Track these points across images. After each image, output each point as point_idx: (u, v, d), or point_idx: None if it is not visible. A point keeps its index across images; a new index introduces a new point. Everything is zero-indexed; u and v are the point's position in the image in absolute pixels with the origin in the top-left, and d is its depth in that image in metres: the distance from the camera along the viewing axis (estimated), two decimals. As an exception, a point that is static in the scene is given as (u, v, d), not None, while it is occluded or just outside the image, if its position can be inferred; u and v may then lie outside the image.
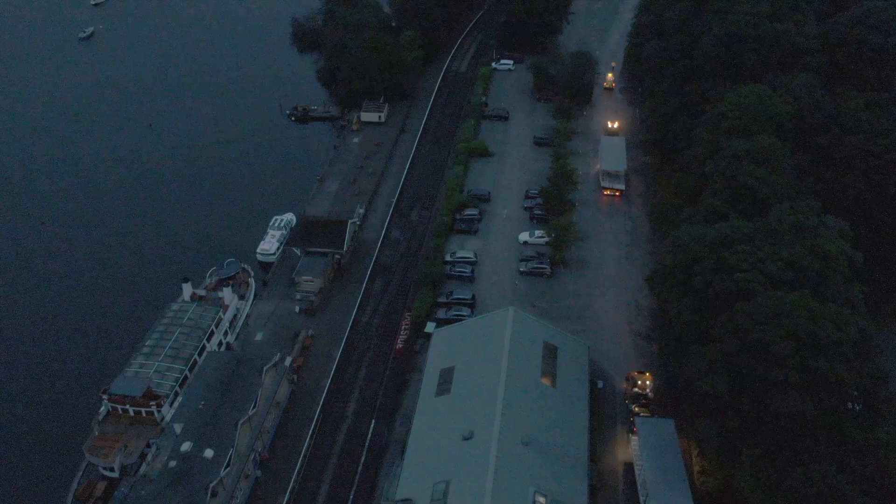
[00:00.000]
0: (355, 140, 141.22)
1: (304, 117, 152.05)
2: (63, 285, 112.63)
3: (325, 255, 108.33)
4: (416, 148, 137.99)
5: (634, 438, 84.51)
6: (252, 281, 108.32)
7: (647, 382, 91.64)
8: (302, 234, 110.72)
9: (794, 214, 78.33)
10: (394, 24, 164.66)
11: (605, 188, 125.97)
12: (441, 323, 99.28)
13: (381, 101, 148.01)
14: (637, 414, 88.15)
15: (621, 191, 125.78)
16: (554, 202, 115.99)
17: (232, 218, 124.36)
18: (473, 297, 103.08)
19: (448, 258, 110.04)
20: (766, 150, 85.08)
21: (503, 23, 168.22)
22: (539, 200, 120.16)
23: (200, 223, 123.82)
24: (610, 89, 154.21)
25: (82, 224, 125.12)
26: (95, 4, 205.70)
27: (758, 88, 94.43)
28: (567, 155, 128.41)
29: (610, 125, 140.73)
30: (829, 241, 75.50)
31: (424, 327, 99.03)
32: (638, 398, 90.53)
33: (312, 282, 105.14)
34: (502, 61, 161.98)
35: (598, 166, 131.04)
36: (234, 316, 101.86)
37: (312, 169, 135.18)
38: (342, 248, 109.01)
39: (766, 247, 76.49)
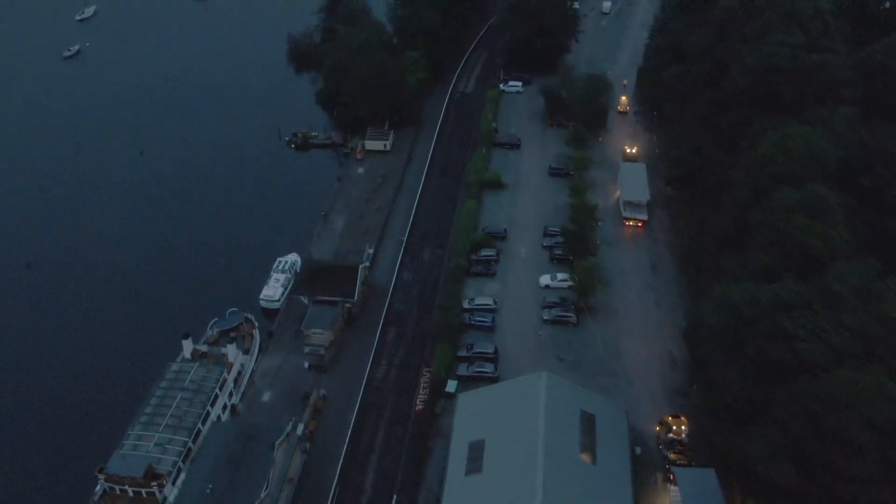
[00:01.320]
0: (360, 170, 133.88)
1: (304, 145, 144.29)
2: (49, 337, 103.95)
3: (334, 303, 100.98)
4: (425, 179, 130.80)
5: (674, 489, 78.90)
6: (257, 333, 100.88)
7: (682, 427, 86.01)
8: (309, 282, 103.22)
9: (856, 275, 71.91)
10: (395, 42, 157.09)
11: (627, 219, 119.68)
12: (462, 380, 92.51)
13: (386, 127, 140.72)
14: (674, 462, 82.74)
15: (644, 221, 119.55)
16: (576, 242, 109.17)
17: (232, 260, 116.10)
18: (496, 351, 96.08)
19: (466, 305, 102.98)
20: (819, 201, 78.58)
21: (510, 42, 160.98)
22: (559, 239, 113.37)
23: (199, 267, 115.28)
24: (624, 113, 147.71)
25: (71, 266, 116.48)
26: (80, 20, 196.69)
27: (804, 131, 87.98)
28: (586, 188, 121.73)
29: (628, 150, 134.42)
30: (896, 306, 69.20)
31: (445, 386, 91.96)
32: (673, 444, 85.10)
33: (322, 335, 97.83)
34: (511, 83, 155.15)
35: (618, 194, 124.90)
36: (239, 373, 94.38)
37: (315, 202, 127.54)
38: (353, 297, 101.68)
39: (827, 313, 70.11)
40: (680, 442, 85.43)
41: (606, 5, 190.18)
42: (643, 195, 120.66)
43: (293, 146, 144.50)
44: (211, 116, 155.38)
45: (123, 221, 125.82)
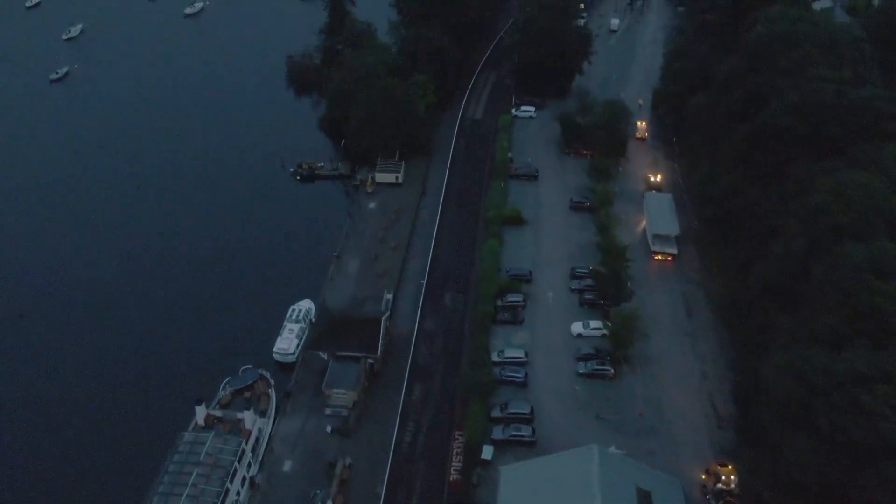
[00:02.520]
0: (371, 205, 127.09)
1: (310, 176, 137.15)
2: (44, 403, 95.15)
3: (356, 359, 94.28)
4: (441, 214, 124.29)
5: None
6: (273, 392, 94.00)
7: (732, 477, 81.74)
8: (328, 336, 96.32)
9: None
10: (400, 63, 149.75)
11: (656, 252, 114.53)
12: (498, 445, 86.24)
13: (397, 158, 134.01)
14: None
15: (674, 255, 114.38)
16: (608, 287, 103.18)
17: (241, 309, 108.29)
18: (532, 412, 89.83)
19: (495, 358, 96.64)
20: (889, 259, 73.08)
21: (520, 64, 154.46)
22: (588, 281, 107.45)
23: (205, 317, 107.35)
24: (642, 139, 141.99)
25: (65, 317, 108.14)
26: (67, 39, 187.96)
27: (862, 178, 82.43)
28: (613, 225, 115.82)
29: (652, 178, 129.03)
30: None
31: (480, 452, 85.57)
32: (722, 494, 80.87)
33: (345, 395, 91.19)
34: (523, 108, 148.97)
35: (643, 224, 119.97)
36: (257, 440, 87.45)
37: (326, 240, 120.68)
38: (376, 353, 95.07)
39: (912, 388, 64.65)
40: (729, 492, 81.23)
41: (615, 22, 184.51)
42: (673, 228, 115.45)
43: (298, 178, 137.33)
44: (209, 144, 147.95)
45: (119, 267, 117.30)
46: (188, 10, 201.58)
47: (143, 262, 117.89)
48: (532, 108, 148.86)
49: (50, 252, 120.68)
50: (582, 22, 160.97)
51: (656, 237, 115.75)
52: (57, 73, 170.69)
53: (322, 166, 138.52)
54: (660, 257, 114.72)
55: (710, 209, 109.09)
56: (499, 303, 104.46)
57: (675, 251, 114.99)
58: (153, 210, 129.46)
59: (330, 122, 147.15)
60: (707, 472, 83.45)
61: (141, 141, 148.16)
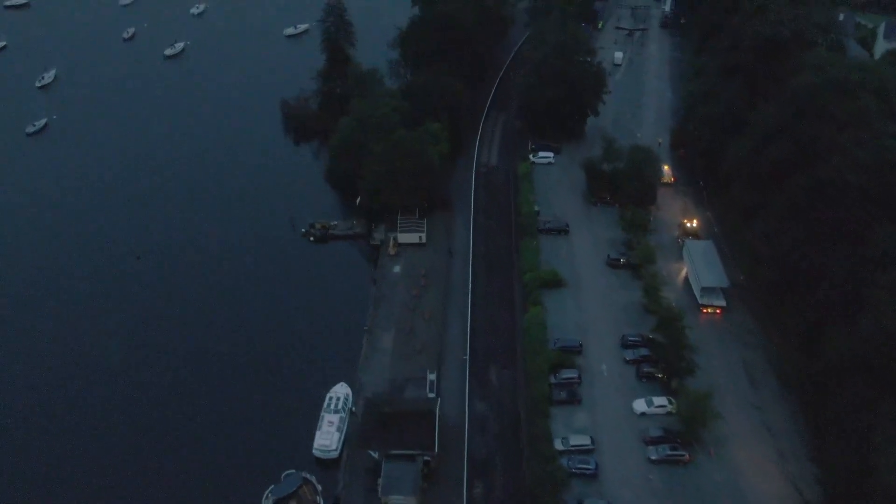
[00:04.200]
0: (396, 269, 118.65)
1: (323, 237, 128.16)
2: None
3: (412, 458, 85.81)
4: (472, 277, 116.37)
5: None
6: (321, 500, 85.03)
7: None
8: (378, 432, 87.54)
9: None
10: (408, 109, 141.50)
11: (704, 306, 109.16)
12: (580, 552, 78.75)
13: (417, 216, 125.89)
14: None
15: (722, 308, 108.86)
16: (669, 358, 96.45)
17: (270, 400, 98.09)
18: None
19: (559, 446, 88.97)
20: None
21: (533, 107, 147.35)
22: (643, 351, 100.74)
23: (232, 415, 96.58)
24: (669, 184, 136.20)
25: (67, 422, 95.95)
26: (41, 86, 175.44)
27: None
28: (660, 286, 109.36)
29: (688, 224, 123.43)
30: None
31: (563, 564, 78.01)
32: None
33: (404, 501, 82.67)
34: (541, 154, 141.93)
35: (683, 273, 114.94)
36: (311, 560, 78.67)
37: (352, 311, 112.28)
38: (433, 449, 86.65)
39: None
40: None
41: (618, 56, 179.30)
42: (722, 280, 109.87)
43: (311, 238, 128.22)
44: (208, 201, 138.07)
45: (124, 356, 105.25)
46: (168, 52, 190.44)
47: (151, 351, 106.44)
48: (550, 154, 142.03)
49: (45, 336, 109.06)
50: (592, 59, 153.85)
51: (704, 290, 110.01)
52: (34, 125, 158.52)
53: (335, 225, 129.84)
54: (708, 311, 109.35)
55: (771, 270, 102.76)
56: (553, 380, 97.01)
57: (724, 304, 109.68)
58: (157, 285, 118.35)
59: (337, 175, 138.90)
60: None
61: (134, 202, 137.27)
